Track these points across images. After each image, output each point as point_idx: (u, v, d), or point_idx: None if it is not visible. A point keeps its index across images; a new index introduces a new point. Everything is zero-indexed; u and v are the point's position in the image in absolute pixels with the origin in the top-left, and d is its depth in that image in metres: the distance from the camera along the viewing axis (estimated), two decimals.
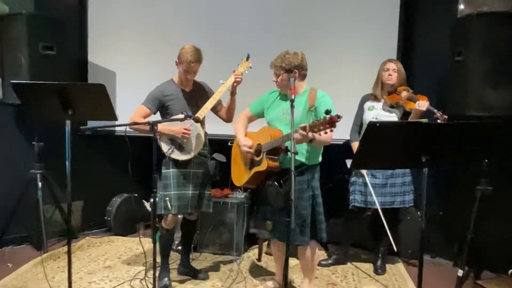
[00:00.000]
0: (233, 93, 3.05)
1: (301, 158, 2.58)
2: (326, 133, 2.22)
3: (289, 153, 2.23)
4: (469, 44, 3.06)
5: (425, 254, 3.50)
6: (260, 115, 2.82)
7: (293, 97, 2.30)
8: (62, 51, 3.71)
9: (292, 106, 2.29)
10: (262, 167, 2.57)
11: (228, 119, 3.16)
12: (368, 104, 3.38)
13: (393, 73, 3.27)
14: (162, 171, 3.02)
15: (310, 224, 2.61)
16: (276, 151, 2.53)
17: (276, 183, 2.54)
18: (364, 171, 3.28)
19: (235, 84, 2.99)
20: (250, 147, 2.67)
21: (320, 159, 2.71)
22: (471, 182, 3.08)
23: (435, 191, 3.66)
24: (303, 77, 2.62)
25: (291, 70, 2.53)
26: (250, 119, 2.88)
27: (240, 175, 2.85)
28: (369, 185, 3.23)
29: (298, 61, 2.55)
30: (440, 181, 3.63)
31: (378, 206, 3.20)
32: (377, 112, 3.31)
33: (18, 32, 3.52)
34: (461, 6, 3.61)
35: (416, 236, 3.38)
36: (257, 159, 2.64)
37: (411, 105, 3.13)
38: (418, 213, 3.58)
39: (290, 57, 2.55)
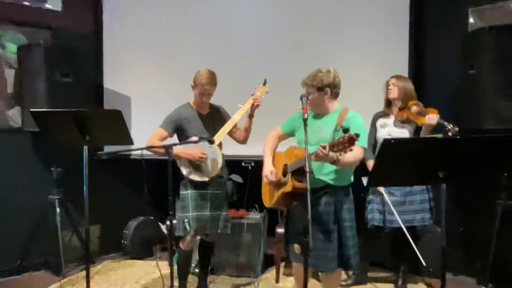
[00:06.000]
0: (251, 115, 3.08)
1: (327, 178, 2.48)
2: (346, 152, 2.12)
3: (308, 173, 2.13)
4: (482, 57, 3.05)
5: (447, 272, 3.41)
6: (291, 134, 2.72)
7: (305, 116, 2.27)
8: (78, 78, 3.80)
9: (305, 125, 2.26)
10: (288, 188, 2.49)
11: (244, 141, 3.18)
12: (380, 121, 3.38)
13: (393, 87, 3.28)
14: (180, 192, 3.04)
15: (337, 250, 2.47)
16: (301, 171, 2.38)
17: (301, 204, 2.44)
18: (382, 189, 3.24)
19: (254, 107, 3.02)
20: (272, 174, 2.59)
21: (351, 179, 2.58)
22: (491, 196, 3.01)
23: (455, 207, 3.58)
24: (335, 95, 2.54)
25: (323, 89, 2.47)
26: (281, 138, 2.78)
27: (269, 195, 2.78)
28: (390, 203, 3.18)
29: (330, 80, 2.47)
30: (459, 196, 3.55)
31: (401, 224, 3.13)
32: (390, 129, 3.30)
33: (36, 62, 3.63)
34: (471, 20, 3.62)
35: (437, 254, 3.28)
36: (284, 179, 2.57)
37: (421, 120, 3.12)
38: (438, 229, 3.51)
39: (322, 75, 2.47)
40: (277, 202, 2.66)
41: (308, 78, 2.52)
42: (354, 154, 2.27)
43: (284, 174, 2.57)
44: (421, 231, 3.46)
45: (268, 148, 2.74)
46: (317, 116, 2.58)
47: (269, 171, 2.61)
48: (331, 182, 2.50)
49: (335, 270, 2.54)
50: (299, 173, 2.41)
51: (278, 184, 2.63)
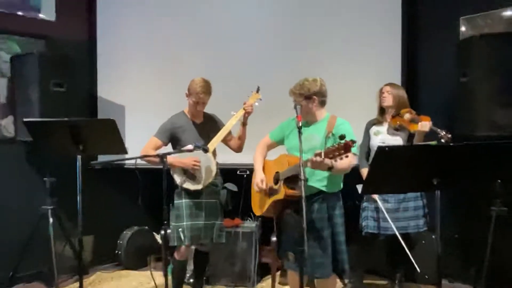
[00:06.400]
0: (244, 123, 3.09)
1: (320, 185, 2.51)
2: (341, 159, 2.16)
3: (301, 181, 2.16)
4: (474, 65, 3.08)
5: (443, 278, 3.41)
6: (281, 142, 2.74)
7: (300, 125, 2.29)
8: (72, 88, 3.78)
9: (299, 133, 2.28)
10: (280, 195, 2.49)
11: (239, 149, 3.19)
12: (373, 129, 3.39)
13: (387, 95, 3.31)
14: (175, 201, 3.03)
15: (331, 255, 2.49)
16: (294, 178, 2.41)
17: (294, 212, 2.45)
18: (376, 196, 3.24)
19: (246, 115, 3.03)
20: (263, 182, 2.60)
21: (340, 186, 2.62)
22: (485, 203, 3.03)
23: (449, 213, 3.59)
24: (322, 104, 2.58)
25: (310, 97, 2.51)
26: (270, 147, 2.80)
27: (259, 203, 2.78)
28: (384, 210, 3.19)
29: (317, 88, 2.52)
30: (453, 203, 3.57)
31: (396, 231, 3.14)
32: (383, 137, 3.31)
33: (29, 71, 3.60)
34: (463, 28, 3.67)
35: (433, 261, 3.30)
36: (275, 187, 2.57)
37: (414, 127, 3.13)
38: (433, 236, 3.52)
39: (309, 84, 2.52)
40: (268, 210, 2.66)
41: (295, 87, 2.56)
42: (348, 161, 2.28)
43: (276, 182, 2.57)
44: (416, 238, 3.46)
45: (258, 157, 2.76)
46: (306, 124, 2.60)
47: (259, 179, 2.62)
48: (323, 189, 2.52)
49: (331, 276, 2.54)
50: (291, 180, 2.42)
51: (269, 192, 2.64)
